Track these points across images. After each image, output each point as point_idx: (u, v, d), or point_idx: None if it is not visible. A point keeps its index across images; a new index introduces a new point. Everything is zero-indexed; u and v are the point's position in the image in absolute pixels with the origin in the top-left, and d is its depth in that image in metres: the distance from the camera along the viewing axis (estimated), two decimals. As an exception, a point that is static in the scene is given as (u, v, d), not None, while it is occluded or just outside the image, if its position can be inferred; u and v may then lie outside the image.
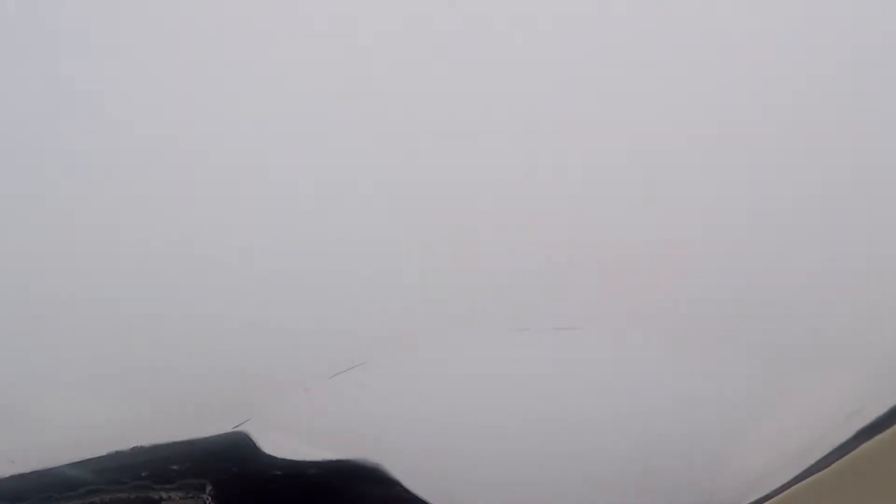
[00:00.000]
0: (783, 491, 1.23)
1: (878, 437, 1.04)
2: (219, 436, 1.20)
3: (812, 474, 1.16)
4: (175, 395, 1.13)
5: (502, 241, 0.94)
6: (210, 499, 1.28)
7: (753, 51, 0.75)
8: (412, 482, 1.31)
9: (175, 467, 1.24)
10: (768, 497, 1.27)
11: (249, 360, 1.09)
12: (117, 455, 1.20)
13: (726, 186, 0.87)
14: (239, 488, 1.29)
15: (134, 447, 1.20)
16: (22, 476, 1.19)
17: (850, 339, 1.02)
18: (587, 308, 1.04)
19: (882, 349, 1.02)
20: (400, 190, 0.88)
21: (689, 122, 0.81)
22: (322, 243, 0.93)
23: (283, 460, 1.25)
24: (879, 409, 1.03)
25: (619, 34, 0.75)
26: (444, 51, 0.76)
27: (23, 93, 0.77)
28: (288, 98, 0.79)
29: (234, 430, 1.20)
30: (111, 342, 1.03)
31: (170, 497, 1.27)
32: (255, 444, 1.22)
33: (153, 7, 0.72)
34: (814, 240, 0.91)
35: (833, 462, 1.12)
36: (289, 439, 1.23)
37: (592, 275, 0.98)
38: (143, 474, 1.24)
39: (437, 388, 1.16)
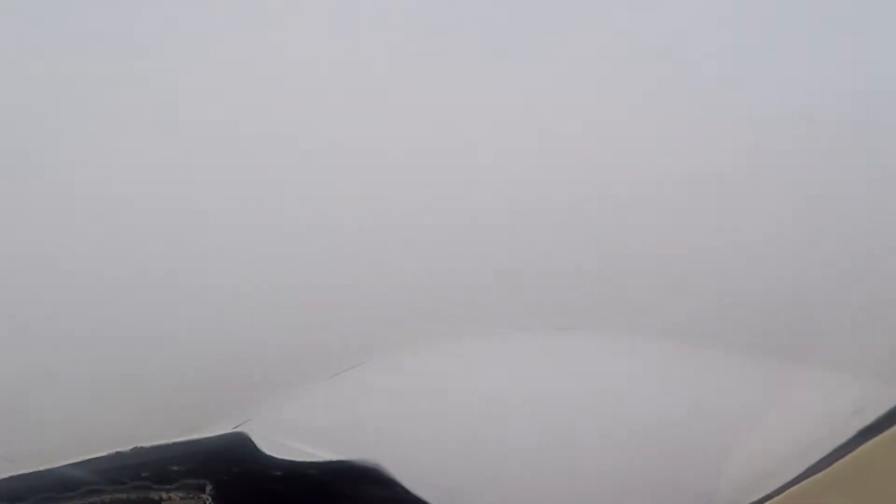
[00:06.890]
0: (783, 491, 1.23)
1: (878, 437, 1.04)
2: (219, 436, 1.20)
3: (812, 474, 1.16)
4: (175, 396, 1.13)
5: (502, 242, 0.94)
6: (210, 499, 1.28)
7: (755, 53, 0.76)
8: (412, 482, 1.31)
9: (175, 467, 1.24)
10: (768, 497, 1.27)
11: (250, 360, 1.09)
12: (117, 455, 1.20)
13: (725, 187, 0.87)
14: (239, 489, 1.29)
15: (134, 447, 1.20)
16: (22, 476, 1.19)
17: (850, 338, 1.02)
18: (587, 308, 1.04)
19: (882, 349, 1.02)
20: (400, 190, 0.88)
21: (689, 123, 0.81)
22: (322, 243, 0.93)
23: (284, 461, 1.25)
24: (879, 409, 1.03)
25: (620, 40, 0.75)
26: (447, 53, 0.76)
27: (21, 93, 0.77)
28: (286, 100, 0.79)
29: (234, 430, 1.20)
30: (111, 342, 1.03)
31: (170, 497, 1.27)
32: (255, 445, 1.22)
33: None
34: (814, 240, 0.91)
35: (833, 462, 1.12)
36: (289, 439, 1.23)
37: (593, 275, 0.98)
38: (143, 474, 1.24)
39: (437, 388, 1.16)
